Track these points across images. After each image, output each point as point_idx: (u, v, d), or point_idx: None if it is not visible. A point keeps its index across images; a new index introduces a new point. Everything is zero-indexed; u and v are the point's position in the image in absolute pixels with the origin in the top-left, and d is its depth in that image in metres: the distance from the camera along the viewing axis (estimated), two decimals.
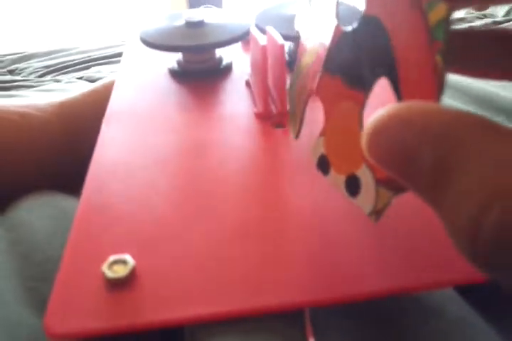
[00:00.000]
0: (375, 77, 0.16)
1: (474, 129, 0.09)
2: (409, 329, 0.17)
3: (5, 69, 0.62)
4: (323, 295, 0.16)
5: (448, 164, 0.09)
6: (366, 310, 0.18)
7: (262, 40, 0.25)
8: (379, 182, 0.15)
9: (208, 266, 0.17)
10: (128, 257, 0.16)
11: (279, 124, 0.26)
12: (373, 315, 0.17)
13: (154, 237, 0.18)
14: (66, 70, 0.61)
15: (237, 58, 0.33)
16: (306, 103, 0.20)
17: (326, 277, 0.16)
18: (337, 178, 0.18)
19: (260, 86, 0.26)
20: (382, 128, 0.11)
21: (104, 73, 0.58)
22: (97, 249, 0.17)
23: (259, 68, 0.26)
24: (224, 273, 0.16)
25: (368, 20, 0.16)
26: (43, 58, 0.66)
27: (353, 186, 0.17)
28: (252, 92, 0.29)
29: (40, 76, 0.60)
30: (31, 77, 0.60)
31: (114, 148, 0.24)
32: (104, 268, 0.16)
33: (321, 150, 0.19)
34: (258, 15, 0.33)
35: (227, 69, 0.32)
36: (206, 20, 0.31)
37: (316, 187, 0.20)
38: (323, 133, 0.19)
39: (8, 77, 0.58)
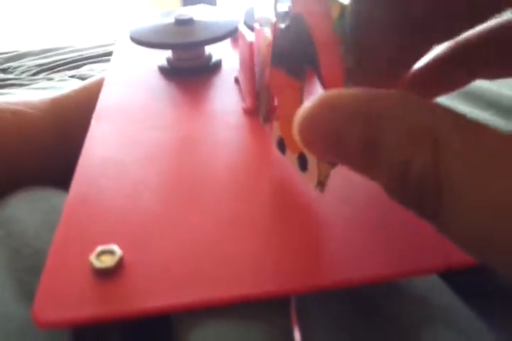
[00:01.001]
0: (306, 68, 0.18)
1: (389, 102, 0.11)
2: (392, 316, 0.17)
3: None
4: (306, 282, 0.16)
5: (373, 133, 0.11)
6: (351, 298, 0.18)
7: (250, 36, 0.26)
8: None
9: (194, 256, 0.17)
10: (115, 247, 0.17)
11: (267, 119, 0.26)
12: (357, 303, 0.18)
13: (142, 229, 0.18)
14: (59, 69, 0.61)
15: (226, 55, 0.34)
16: (268, 90, 0.22)
17: (310, 265, 0.17)
18: (291, 157, 0.21)
19: (248, 82, 0.26)
20: (310, 116, 0.12)
21: (96, 71, 0.58)
22: (85, 240, 0.18)
23: (247, 64, 0.26)
24: (210, 262, 0.17)
25: (295, 18, 0.18)
26: (36, 57, 0.67)
27: (302, 163, 0.20)
28: (240, 88, 0.29)
29: (33, 74, 0.60)
30: (24, 75, 0.60)
31: (103, 143, 0.24)
32: (92, 258, 0.16)
33: (278, 133, 0.22)
34: (246, 12, 0.34)
35: (217, 66, 0.32)
36: (195, 18, 0.31)
37: (301, 179, 0.21)
38: (277, 119, 0.22)
39: (1, 76, 0.58)
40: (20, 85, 0.54)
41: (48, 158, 0.33)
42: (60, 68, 0.61)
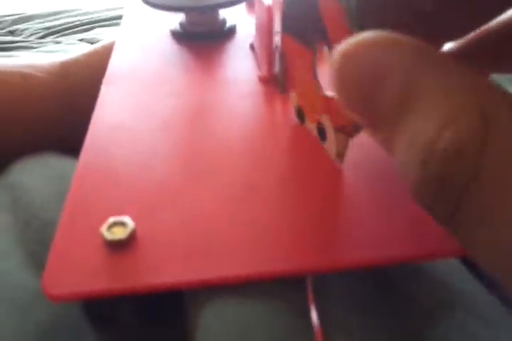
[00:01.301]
0: (315, 37, 0.18)
1: (439, 60, 0.10)
2: (412, 298, 0.17)
3: (5, 30, 0.61)
4: (325, 262, 0.15)
5: (412, 89, 0.10)
6: (370, 278, 0.17)
7: (267, 0, 0.25)
8: (336, 128, 0.18)
9: (208, 230, 0.17)
10: (127, 219, 0.16)
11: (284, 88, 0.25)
12: (377, 283, 0.17)
13: (154, 200, 0.18)
14: (67, 32, 0.60)
15: (241, 21, 0.33)
16: (283, 59, 0.21)
17: (329, 243, 0.16)
18: (311, 126, 0.21)
19: (265, 49, 0.25)
20: (352, 52, 0.10)
21: (105, 35, 0.57)
22: (96, 211, 0.17)
23: (264, 31, 0.25)
24: (224, 238, 0.16)
25: None
26: (43, 19, 0.65)
27: (321, 133, 0.19)
28: (256, 55, 0.28)
29: (41, 37, 0.59)
30: (32, 38, 0.59)
31: (113, 110, 0.23)
32: (103, 229, 0.16)
33: (296, 102, 0.22)
34: None
35: (231, 31, 0.31)
36: None
37: (318, 151, 0.20)
38: (293, 87, 0.22)
39: (9, 38, 0.57)
40: (28, 48, 0.53)
41: (56, 123, 0.33)
42: (69, 31, 0.60)
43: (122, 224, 0.16)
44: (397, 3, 0.15)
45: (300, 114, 0.22)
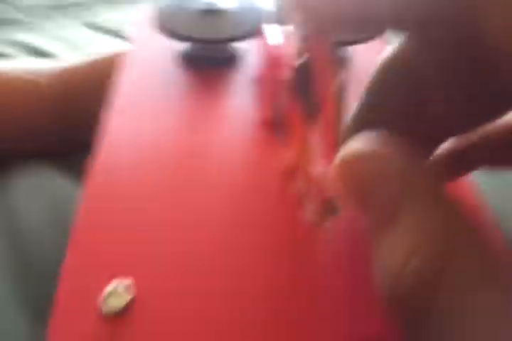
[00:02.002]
0: (314, 112, 0.18)
1: (421, 182, 0.11)
2: None
3: None
4: None
5: (389, 213, 0.11)
6: None
7: (276, 48, 0.25)
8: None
9: (205, 302, 0.17)
10: (126, 287, 0.17)
11: (280, 131, 0.25)
12: None
13: (150, 261, 0.18)
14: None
15: (250, 50, 0.32)
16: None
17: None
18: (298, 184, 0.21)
19: (268, 92, 0.25)
20: (350, 162, 0.12)
21: (114, 22, 0.55)
22: (95, 272, 0.18)
23: (269, 78, 0.25)
24: (212, 311, 0.17)
25: (306, 60, 0.18)
26: None
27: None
28: (258, 92, 0.28)
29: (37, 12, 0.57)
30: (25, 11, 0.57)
31: (114, 143, 0.24)
32: (103, 297, 0.17)
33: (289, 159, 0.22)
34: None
35: (239, 60, 0.31)
36: (223, 8, 0.30)
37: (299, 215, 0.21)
38: (290, 144, 0.22)
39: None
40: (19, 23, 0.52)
41: (51, 127, 0.33)
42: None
43: (120, 293, 0.17)
44: (406, 118, 0.15)
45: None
